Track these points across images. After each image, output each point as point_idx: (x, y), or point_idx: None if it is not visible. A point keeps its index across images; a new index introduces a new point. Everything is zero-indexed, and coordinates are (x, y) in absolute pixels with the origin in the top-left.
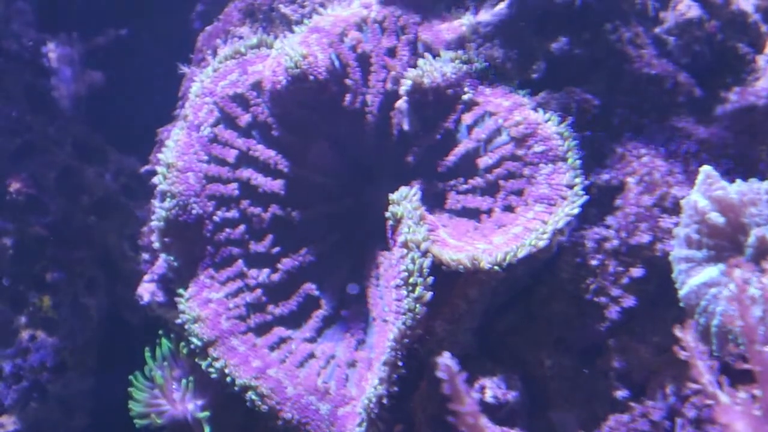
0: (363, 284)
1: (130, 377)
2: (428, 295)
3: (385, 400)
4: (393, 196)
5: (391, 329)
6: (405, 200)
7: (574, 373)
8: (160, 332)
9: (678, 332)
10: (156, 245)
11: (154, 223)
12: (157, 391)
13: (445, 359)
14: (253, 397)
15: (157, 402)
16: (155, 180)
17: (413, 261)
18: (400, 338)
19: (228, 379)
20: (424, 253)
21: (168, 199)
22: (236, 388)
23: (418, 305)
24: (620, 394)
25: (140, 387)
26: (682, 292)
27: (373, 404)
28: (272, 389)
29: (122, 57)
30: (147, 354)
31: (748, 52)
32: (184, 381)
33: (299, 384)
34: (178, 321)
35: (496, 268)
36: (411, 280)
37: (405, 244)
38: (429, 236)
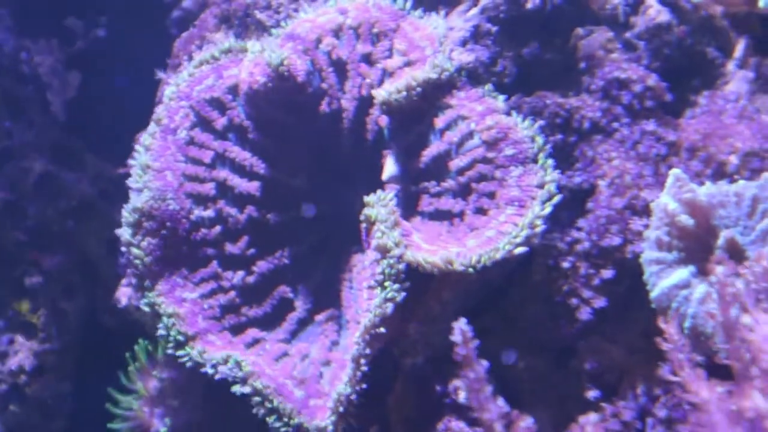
0: (337, 287)
1: (108, 389)
2: (400, 296)
3: (354, 396)
4: (368, 199)
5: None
6: (379, 203)
7: (547, 374)
8: (146, 342)
9: (662, 324)
10: (125, 237)
11: (125, 215)
12: (134, 401)
13: (461, 324)
14: (232, 364)
15: (132, 414)
16: (130, 182)
17: (390, 266)
18: (364, 334)
19: (210, 360)
20: (399, 258)
21: (144, 193)
22: (214, 361)
23: (388, 304)
24: (592, 394)
25: (118, 400)
26: (653, 294)
27: (342, 399)
28: (252, 363)
29: (100, 63)
30: (128, 361)
31: (717, 57)
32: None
33: (276, 370)
34: (143, 305)
35: (470, 270)
36: (386, 284)
37: (378, 248)
38: (403, 240)
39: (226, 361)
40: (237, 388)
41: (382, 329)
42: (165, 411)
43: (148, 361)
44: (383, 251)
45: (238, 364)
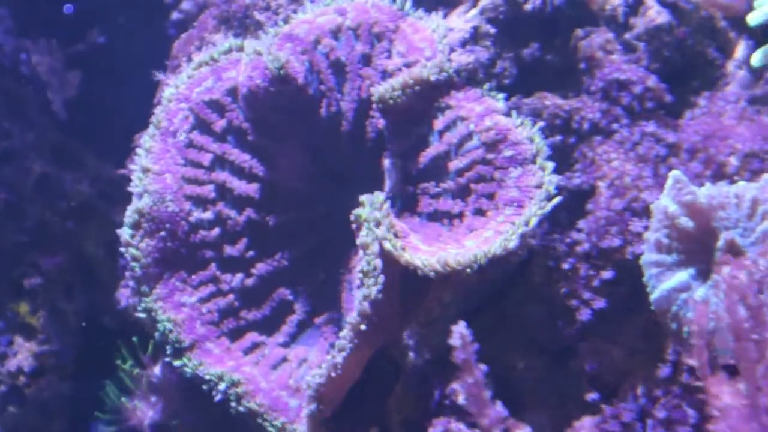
0: (337, 289)
1: (105, 383)
2: (373, 292)
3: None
4: (362, 198)
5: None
6: (373, 205)
7: (547, 375)
8: (134, 339)
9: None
10: (124, 237)
11: (127, 215)
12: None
13: (460, 327)
14: (229, 381)
15: (122, 411)
16: (131, 186)
17: (367, 263)
18: (350, 331)
19: (205, 376)
20: (377, 254)
21: (144, 197)
22: (208, 377)
23: (365, 302)
24: (592, 395)
25: (111, 396)
26: (653, 297)
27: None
28: (247, 379)
29: (99, 64)
30: (118, 361)
31: (717, 58)
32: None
33: (272, 381)
34: (140, 310)
35: (467, 270)
36: (365, 281)
37: (362, 246)
38: (396, 234)
39: (221, 379)
40: (233, 407)
41: (363, 326)
42: (154, 405)
43: (137, 357)
44: (364, 249)
45: (232, 383)
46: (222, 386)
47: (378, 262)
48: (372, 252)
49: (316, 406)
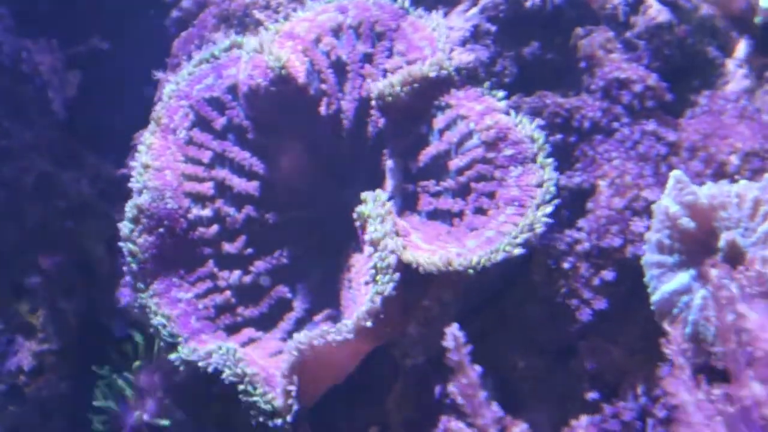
0: (336, 287)
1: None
2: (388, 289)
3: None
4: (364, 195)
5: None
6: (374, 201)
7: (547, 375)
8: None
9: (667, 326)
10: (123, 232)
11: (127, 209)
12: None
13: (453, 329)
14: (224, 351)
15: (115, 411)
16: (131, 183)
17: (381, 259)
18: (355, 323)
19: (200, 361)
20: (392, 251)
21: (144, 193)
22: (207, 351)
23: (377, 297)
24: (592, 395)
25: (101, 398)
26: (654, 298)
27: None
28: (244, 352)
29: (99, 63)
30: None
31: (717, 56)
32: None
33: (269, 362)
34: (137, 306)
35: (469, 270)
36: (377, 278)
37: (371, 242)
38: (397, 233)
39: (219, 348)
40: (227, 373)
41: (369, 323)
42: (145, 405)
43: (129, 358)
44: (375, 245)
45: (229, 350)
46: (216, 356)
47: (393, 259)
48: (384, 248)
49: (291, 362)
